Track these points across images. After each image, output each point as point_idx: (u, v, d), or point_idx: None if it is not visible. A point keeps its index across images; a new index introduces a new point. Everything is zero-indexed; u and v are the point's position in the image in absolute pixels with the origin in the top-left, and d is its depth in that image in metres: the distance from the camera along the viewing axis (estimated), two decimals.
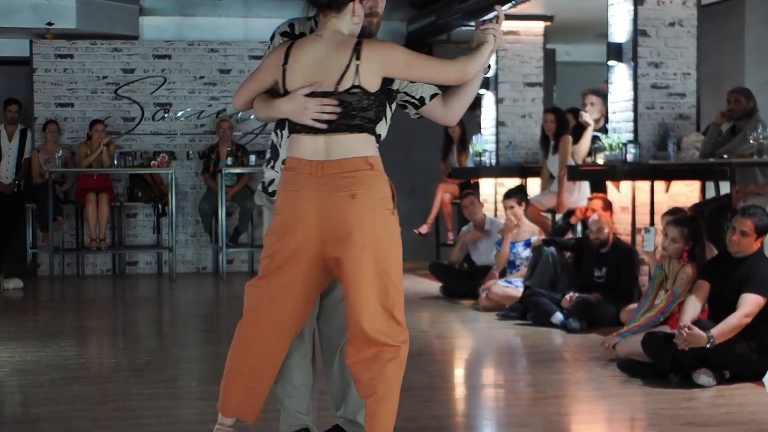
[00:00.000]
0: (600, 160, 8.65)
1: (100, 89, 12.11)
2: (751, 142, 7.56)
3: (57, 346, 7.04)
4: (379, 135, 3.87)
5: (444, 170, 11.58)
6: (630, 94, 8.48)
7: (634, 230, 8.30)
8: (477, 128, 11.69)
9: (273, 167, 4.03)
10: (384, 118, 3.90)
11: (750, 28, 10.69)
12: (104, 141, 11.46)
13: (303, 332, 3.97)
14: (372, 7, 3.87)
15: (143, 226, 12.21)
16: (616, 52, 8.59)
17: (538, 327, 7.70)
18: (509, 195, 8.99)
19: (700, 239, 6.23)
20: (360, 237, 3.62)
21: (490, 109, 11.40)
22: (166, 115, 12.24)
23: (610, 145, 8.46)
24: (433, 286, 9.89)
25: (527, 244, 8.74)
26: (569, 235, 8.89)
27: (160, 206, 11.92)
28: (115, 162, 11.36)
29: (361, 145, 3.68)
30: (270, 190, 4.05)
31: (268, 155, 4.09)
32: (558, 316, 7.65)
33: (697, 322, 5.60)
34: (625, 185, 8.50)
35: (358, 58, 3.63)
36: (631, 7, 8.43)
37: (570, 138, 9.28)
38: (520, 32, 11.21)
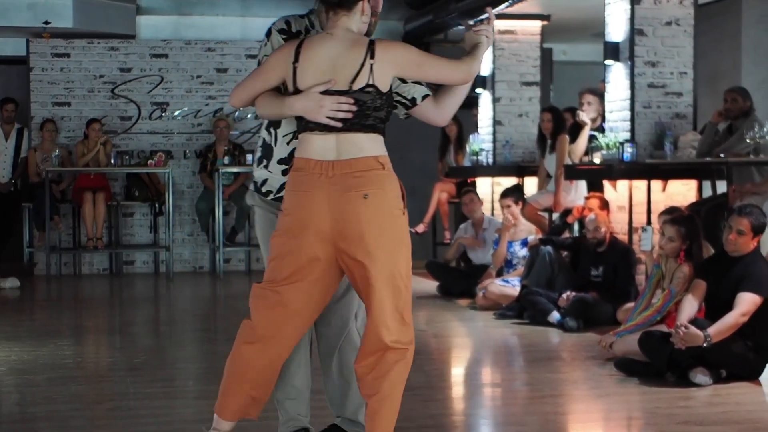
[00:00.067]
0: (597, 160, 8.66)
1: (97, 88, 12.09)
2: (748, 141, 7.56)
3: (54, 346, 7.03)
4: None
5: (441, 169, 11.57)
6: (627, 93, 8.49)
7: (631, 229, 8.30)
8: (474, 127, 11.69)
9: (266, 167, 3.97)
10: None
11: (747, 27, 10.70)
12: (101, 140, 11.44)
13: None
14: (373, 6, 3.87)
15: (140, 226, 12.20)
16: (612, 51, 8.59)
17: (535, 326, 7.69)
18: (506, 194, 8.99)
19: (696, 238, 6.24)
20: (374, 240, 3.59)
21: (487, 108, 11.40)
22: (163, 114, 12.23)
23: (607, 145, 8.48)
24: (430, 285, 9.88)
25: (524, 243, 8.73)
26: (566, 235, 8.90)
27: (157, 205, 11.90)
28: (112, 161, 11.34)
29: (371, 145, 3.67)
30: (264, 190, 3.99)
31: (258, 154, 4.02)
32: (555, 315, 7.65)
33: (693, 321, 5.60)
34: (622, 184, 8.51)
35: (372, 57, 3.62)
36: (628, 7, 8.43)
37: (567, 137, 9.28)
38: (517, 31, 11.21)
